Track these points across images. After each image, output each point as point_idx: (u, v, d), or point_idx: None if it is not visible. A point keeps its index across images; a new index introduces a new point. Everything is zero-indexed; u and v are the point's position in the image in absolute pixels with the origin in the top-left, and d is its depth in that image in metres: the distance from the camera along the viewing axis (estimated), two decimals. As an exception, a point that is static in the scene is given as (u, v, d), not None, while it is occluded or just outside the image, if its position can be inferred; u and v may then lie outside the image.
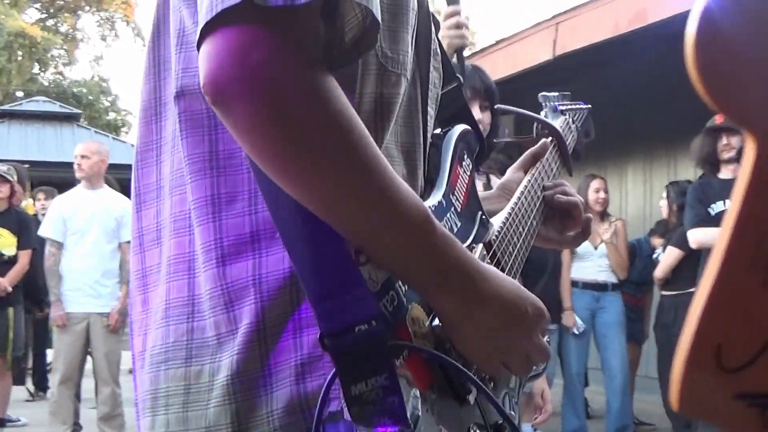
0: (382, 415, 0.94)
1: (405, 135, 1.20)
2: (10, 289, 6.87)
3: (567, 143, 1.67)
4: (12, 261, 7.00)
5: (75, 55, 28.46)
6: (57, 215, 6.50)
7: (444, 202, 1.19)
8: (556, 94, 1.76)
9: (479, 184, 1.45)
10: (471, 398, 1.07)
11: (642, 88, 8.92)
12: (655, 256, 7.22)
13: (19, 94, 22.83)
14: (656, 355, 6.89)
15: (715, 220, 5.26)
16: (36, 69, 26.05)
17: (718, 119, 5.48)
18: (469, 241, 1.21)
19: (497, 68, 8.20)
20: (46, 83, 26.01)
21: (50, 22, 27.94)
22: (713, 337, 0.97)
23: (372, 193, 0.96)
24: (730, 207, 1.01)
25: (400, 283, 1.01)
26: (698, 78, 0.96)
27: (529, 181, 1.49)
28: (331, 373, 0.95)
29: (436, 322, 1.05)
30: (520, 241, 1.38)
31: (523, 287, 1.12)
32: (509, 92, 6.80)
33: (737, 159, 5.28)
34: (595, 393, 8.02)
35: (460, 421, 1.06)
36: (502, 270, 1.27)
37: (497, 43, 9.29)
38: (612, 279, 6.99)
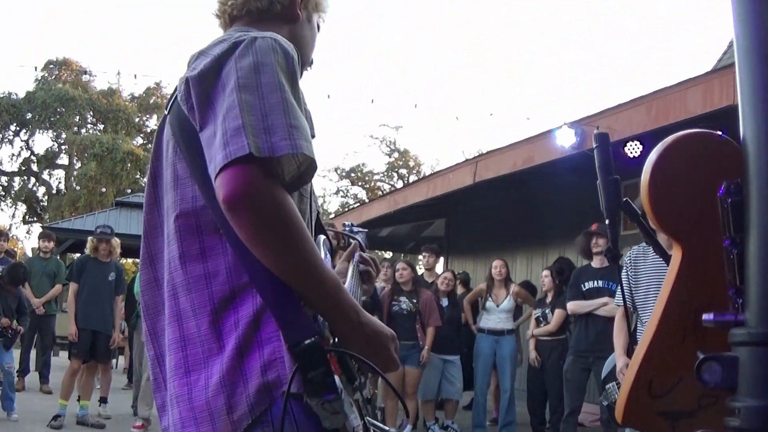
0: (324, 390, 1.61)
1: None
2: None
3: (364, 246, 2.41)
4: None
5: None
6: None
7: None
8: (353, 222, 2.52)
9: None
10: (357, 382, 1.72)
11: (532, 204, 12.27)
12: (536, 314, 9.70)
13: (128, 191, 33.40)
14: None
15: (586, 294, 7.79)
16: (138, 175, 37.63)
17: (593, 227, 7.89)
18: None
19: (436, 189, 12.89)
20: (143, 185, 34.60)
21: (149, 146, 37.36)
22: (648, 373, 1.44)
23: (312, 266, 1.64)
24: (663, 288, 1.49)
25: (319, 315, 1.68)
26: (648, 206, 1.44)
27: (353, 265, 2.16)
28: (295, 367, 1.61)
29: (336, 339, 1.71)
30: (358, 296, 2.06)
31: (380, 321, 1.84)
32: (446, 205, 13.96)
33: (601, 253, 7.66)
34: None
35: (352, 394, 1.71)
36: None
37: (437, 172, 13.10)
38: (508, 326, 9.66)
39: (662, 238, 4.87)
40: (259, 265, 1.63)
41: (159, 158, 1.90)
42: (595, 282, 7.74)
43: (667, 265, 1.56)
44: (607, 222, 2.04)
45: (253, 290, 1.67)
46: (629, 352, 5.35)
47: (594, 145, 2.07)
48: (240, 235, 1.61)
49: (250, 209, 1.56)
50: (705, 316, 1.21)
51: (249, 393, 1.63)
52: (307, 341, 1.62)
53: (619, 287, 5.51)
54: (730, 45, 14.29)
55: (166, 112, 1.89)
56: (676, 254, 1.48)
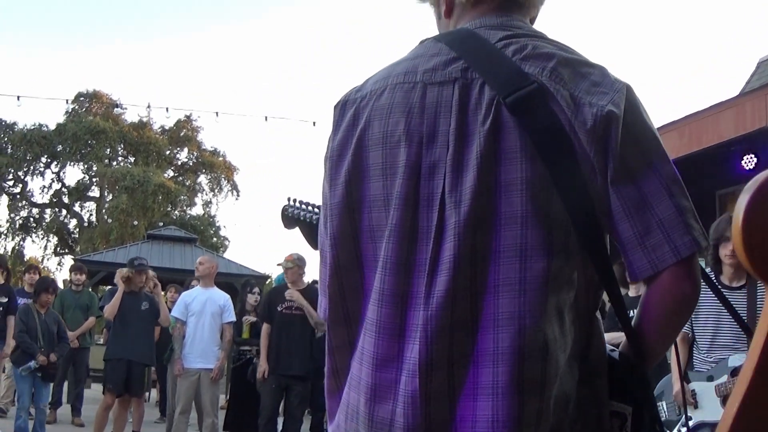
0: None
1: None
2: None
3: None
4: None
5: (194, 200, 42.22)
6: (182, 302, 9.39)
7: None
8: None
9: None
10: None
11: None
12: None
13: (160, 223, 34.80)
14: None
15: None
16: (169, 208, 39.24)
17: None
18: None
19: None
20: (174, 217, 38.73)
21: (179, 179, 42.19)
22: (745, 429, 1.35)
23: None
24: (757, 334, 1.41)
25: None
26: (741, 250, 1.36)
27: None
28: None
29: None
30: None
31: None
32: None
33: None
34: None
35: None
36: None
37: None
38: None
39: (728, 269, 4.81)
40: None
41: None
42: (633, 311, 7.58)
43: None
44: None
45: None
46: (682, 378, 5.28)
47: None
48: (662, 316, 1.59)
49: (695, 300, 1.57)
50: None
51: None
52: None
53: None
54: (758, 66, 14.18)
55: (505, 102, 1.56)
56: (769, 298, 1.40)
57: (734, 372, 4.87)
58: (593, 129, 1.50)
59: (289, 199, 2.69)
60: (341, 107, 1.73)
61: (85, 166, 39.69)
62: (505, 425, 1.44)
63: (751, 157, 8.14)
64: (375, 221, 1.61)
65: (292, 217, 3.17)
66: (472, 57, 1.61)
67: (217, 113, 30.42)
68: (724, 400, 4.90)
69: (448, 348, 1.48)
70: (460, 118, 1.56)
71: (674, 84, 62.40)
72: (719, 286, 4.92)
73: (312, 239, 3.48)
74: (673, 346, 5.32)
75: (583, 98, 1.52)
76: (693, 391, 5.17)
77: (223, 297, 9.48)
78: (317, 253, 1.81)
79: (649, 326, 1.59)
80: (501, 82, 1.55)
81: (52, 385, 10.25)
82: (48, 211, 40.65)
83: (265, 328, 8.88)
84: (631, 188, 1.51)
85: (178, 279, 14.78)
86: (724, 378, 4.96)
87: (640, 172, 1.52)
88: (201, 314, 9.16)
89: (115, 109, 39.39)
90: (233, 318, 9.45)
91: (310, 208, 3.27)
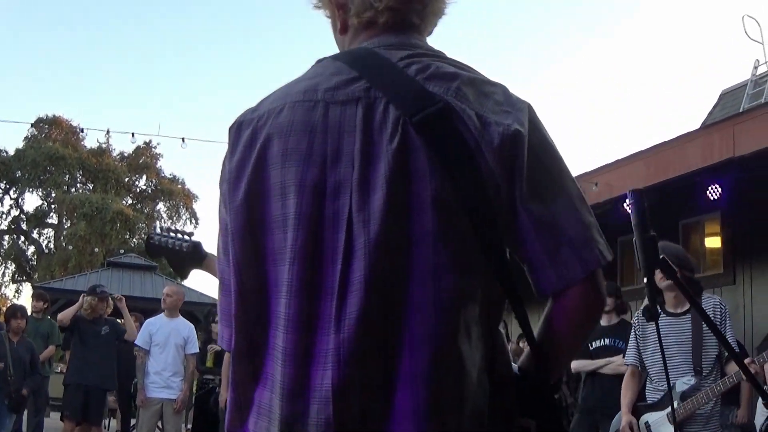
0: None
1: None
2: None
3: None
4: None
5: (152, 227, 37.50)
6: (146, 331, 9.28)
7: None
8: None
9: None
10: None
11: None
12: None
13: (121, 250, 33.91)
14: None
15: (593, 353, 7.36)
16: (128, 235, 38.64)
17: None
18: None
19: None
20: (133, 245, 37.22)
21: (138, 206, 41.92)
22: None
23: None
24: None
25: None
26: None
27: None
28: None
29: None
30: None
31: None
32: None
33: (609, 311, 7.27)
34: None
35: None
36: None
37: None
38: None
39: (669, 296, 4.90)
40: None
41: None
42: (603, 340, 7.59)
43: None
44: (645, 280, 2.01)
45: None
46: (635, 411, 5.32)
47: (629, 203, 2.05)
48: (569, 328, 1.62)
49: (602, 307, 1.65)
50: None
51: None
52: None
53: (629, 346, 5.46)
54: (721, 98, 14.43)
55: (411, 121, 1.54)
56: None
57: (683, 396, 4.92)
58: (500, 148, 1.51)
59: (154, 227, 2.60)
60: (237, 128, 1.66)
61: (44, 192, 39.45)
62: None
63: (716, 188, 8.25)
64: (277, 243, 1.55)
65: (158, 245, 3.08)
66: (374, 76, 1.60)
67: (183, 139, 30.48)
68: (679, 426, 4.96)
69: (363, 372, 1.45)
70: (365, 138, 1.53)
71: (636, 115, 63.21)
72: (665, 314, 5.01)
73: (179, 267, 3.41)
74: (623, 382, 5.41)
75: (489, 117, 1.54)
76: (647, 423, 5.22)
77: (187, 328, 9.50)
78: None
79: (558, 340, 1.61)
80: (406, 101, 1.54)
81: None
82: (6, 237, 40.15)
83: (227, 357, 8.79)
84: (539, 207, 1.53)
85: (138, 307, 14.69)
86: (675, 404, 5.00)
87: (548, 191, 1.55)
88: (165, 345, 9.17)
89: (81, 133, 38.72)
90: (196, 350, 9.47)
91: (179, 235, 3.17)
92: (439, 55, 1.66)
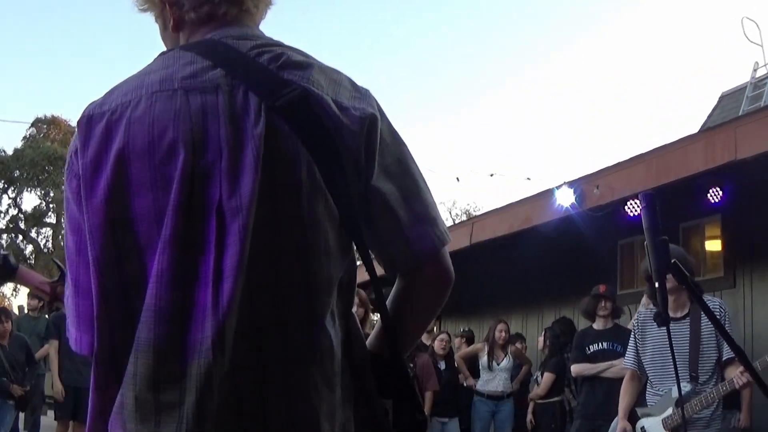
0: None
1: None
2: None
3: None
4: None
5: None
6: None
7: None
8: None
9: None
10: None
11: (528, 264, 11.28)
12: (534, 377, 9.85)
13: None
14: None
15: (591, 357, 7.58)
16: None
17: (601, 289, 7.72)
18: None
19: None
20: None
21: None
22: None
23: None
24: None
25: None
26: None
27: None
28: None
29: None
30: None
31: None
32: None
33: (606, 316, 7.63)
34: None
35: None
36: None
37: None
38: (507, 390, 9.93)
39: (669, 300, 4.86)
40: None
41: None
42: (600, 344, 7.63)
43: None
44: (656, 284, 1.98)
45: None
46: (632, 416, 5.30)
47: (641, 206, 2.01)
48: (423, 305, 1.72)
49: (451, 281, 1.70)
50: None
51: None
52: None
53: (629, 349, 5.43)
54: (721, 99, 14.41)
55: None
56: None
57: (678, 403, 4.89)
58: (360, 132, 1.58)
59: None
60: (86, 122, 1.60)
61: (42, 192, 39.39)
62: (308, 427, 1.49)
63: (717, 191, 8.21)
64: (145, 238, 1.50)
65: None
66: (229, 65, 1.60)
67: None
68: (678, 431, 4.94)
69: (243, 358, 1.45)
70: (229, 124, 1.53)
71: (636, 115, 63.20)
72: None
73: None
74: (622, 386, 5.40)
75: (345, 103, 1.59)
76: (642, 428, 5.20)
77: None
78: None
79: (412, 316, 1.70)
80: (265, 88, 1.56)
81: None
82: (4, 236, 40.15)
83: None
84: (389, 186, 1.61)
85: None
86: (670, 411, 4.99)
87: (398, 172, 1.64)
88: None
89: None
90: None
91: None
92: (283, 45, 1.68)
